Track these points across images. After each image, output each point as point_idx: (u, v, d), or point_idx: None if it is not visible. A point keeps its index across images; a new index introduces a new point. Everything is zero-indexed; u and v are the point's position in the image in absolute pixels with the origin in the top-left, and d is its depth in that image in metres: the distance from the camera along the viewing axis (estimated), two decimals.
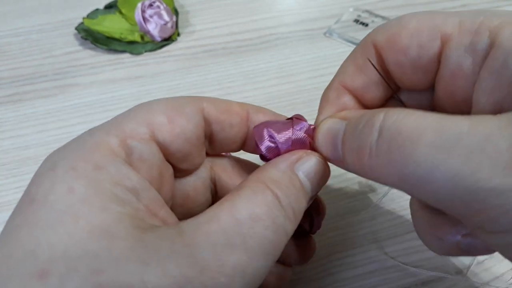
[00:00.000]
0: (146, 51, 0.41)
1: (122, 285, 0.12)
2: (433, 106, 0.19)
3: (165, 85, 0.38)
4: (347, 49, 0.41)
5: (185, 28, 0.44)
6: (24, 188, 0.15)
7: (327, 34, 0.43)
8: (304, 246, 0.22)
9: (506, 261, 0.17)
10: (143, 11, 0.41)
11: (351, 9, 0.45)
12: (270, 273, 0.16)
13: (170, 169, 0.18)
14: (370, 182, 0.30)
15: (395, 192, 0.29)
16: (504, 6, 0.45)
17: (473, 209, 0.12)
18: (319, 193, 0.19)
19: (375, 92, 0.20)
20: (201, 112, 0.18)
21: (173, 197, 0.19)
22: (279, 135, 0.18)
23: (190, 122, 0.18)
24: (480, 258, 0.25)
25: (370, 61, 0.19)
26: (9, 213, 0.14)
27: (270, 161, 0.18)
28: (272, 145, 0.18)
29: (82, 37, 0.42)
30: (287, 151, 0.18)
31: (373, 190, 0.29)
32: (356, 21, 0.44)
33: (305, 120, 0.19)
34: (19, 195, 0.15)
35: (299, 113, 0.20)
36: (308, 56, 0.40)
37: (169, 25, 0.42)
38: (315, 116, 0.20)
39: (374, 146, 0.14)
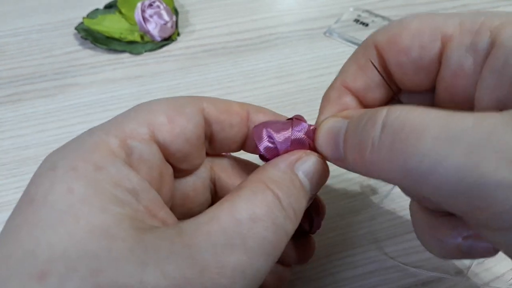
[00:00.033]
0: (146, 51, 0.41)
1: (122, 286, 0.12)
2: (434, 108, 0.19)
3: (165, 85, 0.38)
4: (347, 49, 0.41)
5: (185, 28, 0.44)
6: (24, 188, 0.15)
7: (327, 34, 0.43)
8: (303, 246, 0.22)
9: (507, 261, 0.17)
10: (143, 11, 0.41)
11: (351, 9, 0.45)
12: (269, 273, 0.16)
13: (170, 169, 0.18)
14: (371, 182, 0.30)
15: (395, 192, 0.29)
16: (504, 6, 0.45)
17: (477, 204, 0.12)
18: (319, 193, 0.19)
19: (376, 93, 0.20)
20: (201, 112, 0.18)
21: (172, 197, 0.19)
22: (278, 135, 0.18)
23: (190, 122, 0.18)
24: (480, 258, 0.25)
25: (371, 62, 0.19)
26: (9, 213, 0.14)
27: (270, 161, 0.18)
28: (271, 145, 0.18)
29: (82, 37, 0.42)
30: (286, 151, 0.18)
31: (374, 190, 0.29)
32: (356, 20, 0.44)
33: (305, 121, 0.19)
34: (19, 195, 0.15)
35: (299, 113, 0.20)
36: (308, 56, 0.40)
37: (169, 25, 0.42)
38: (315, 116, 0.20)
39: (376, 140, 0.14)
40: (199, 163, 0.20)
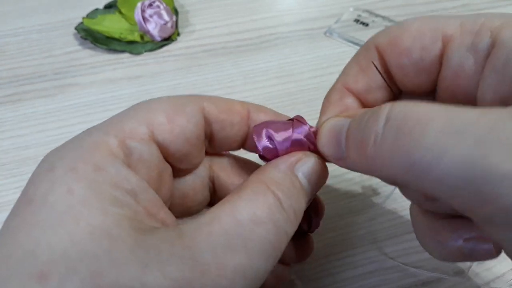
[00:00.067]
0: (146, 51, 0.41)
1: (122, 287, 0.12)
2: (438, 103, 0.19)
3: (165, 85, 0.38)
4: (347, 49, 0.41)
5: (185, 28, 0.44)
6: None
7: (327, 34, 0.43)
8: (302, 245, 0.22)
9: (507, 261, 0.17)
10: (142, 11, 0.41)
11: (351, 9, 0.45)
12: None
13: (169, 169, 0.18)
14: (373, 182, 0.30)
15: (395, 192, 0.29)
16: (504, 6, 0.45)
17: (482, 198, 0.12)
18: (318, 193, 0.19)
19: (378, 94, 0.20)
20: (201, 111, 0.18)
21: (171, 197, 0.19)
22: (278, 135, 0.18)
23: (191, 122, 0.18)
24: None
25: (373, 64, 0.19)
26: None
27: (270, 162, 0.18)
28: (270, 145, 0.18)
29: (81, 37, 0.42)
30: (286, 152, 0.18)
31: (375, 191, 0.29)
32: (356, 20, 0.44)
33: (306, 123, 0.19)
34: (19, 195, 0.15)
35: (299, 113, 0.20)
36: (308, 56, 0.40)
37: (169, 24, 0.42)
38: (315, 116, 0.20)
39: (380, 133, 0.14)
40: (198, 162, 0.20)
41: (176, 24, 0.44)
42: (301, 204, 0.17)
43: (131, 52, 0.41)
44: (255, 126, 0.19)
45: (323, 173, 0.18)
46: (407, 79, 0.19)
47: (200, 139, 0.18)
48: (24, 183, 0.15)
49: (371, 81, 0.19)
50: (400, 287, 0.25)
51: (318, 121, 0.20)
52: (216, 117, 0.19)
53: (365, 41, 0.20)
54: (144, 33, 0.41)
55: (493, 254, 0.17)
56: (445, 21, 0.17)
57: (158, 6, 0.41)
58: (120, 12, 0.44)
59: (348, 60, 0.21)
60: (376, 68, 0.19)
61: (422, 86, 0.19)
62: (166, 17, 0.41)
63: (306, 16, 0.45)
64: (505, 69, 0.15)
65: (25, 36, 0.44)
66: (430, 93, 0.19)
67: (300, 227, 0.21)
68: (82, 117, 0.36)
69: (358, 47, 0.40)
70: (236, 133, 0.19)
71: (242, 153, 0.21)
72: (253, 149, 0.20)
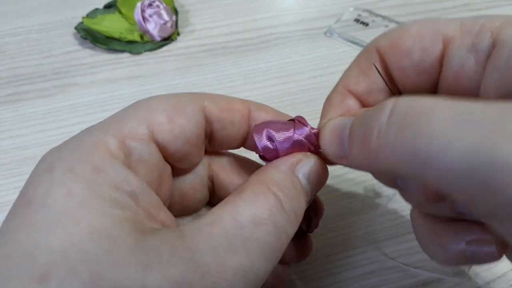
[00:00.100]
0: (145, 51, 0.41)
1: None
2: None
3: (164, 84, 0.38)
4: (347, 49, 0.41)
5: (184, 28, 0.44)
6: None
7: (327, 34, 0.43)
8: (301, 244, 0.22)
9: (507, 261, 0.17)
10: (142, 11, 0.41)
11: (351, 9, 0.45)
12: None
13: (168, 169, 0.18)
14: (373, 183, 0.30)
15: (397, 192, 0.29)
16: (504, 5, 0.45)
17: (489, 189, 0.11)
18: (319, 193, 0.19)
19: (379, 96, 0.20)
20: (202, 111, 0.18)
21: (171, 196, 0.19)
22: (278, 135, 0.18)
23: (191, 122, 0.18)
24: None
25: (374, 66, 0.19)
26: None
27: (271, 163, 0.18)
28: (271, 145, 0.18)
29: (81, 37, 0.42)
30: (286, 152, 0.18)
31: (376, 192, 0.29)
32: (357, 20, 0.44)
33: (307, 125, 0.19)
34: None
35: (300, 113, 0.20)
36: (308, 56, 0.40)
37: (168, 24, 0.41)
38: (315, 116, 0.20)
39: (384, 125, 0.14)
40: (198, 161, 0.20)
41: (176, 24, 0.44)
42: (302, 205, 0.17)
43: (130, 52, 0.41)
44: (255, 125, 0.19)
45: (323, 174, 0.18)
46: (408, 80, 0.19)
47: (200, 138, 0.18)
48: (23, 183, 0.15)
49: (372, 83, 0.19)
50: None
51: (319, 123, 0.20)
52: (217, 116, 0.19)
53: (365, 40, 0.20)
54: (144, 33, 0.41)
55: (496, 256, 0.17)
56: (445, 23, 0.18)
57: (158, 6, 0.41)
58: (120, 12, 0.44)
59: (348, 60, 0.21)
60: (377, 69, 0.19)
61: (423, 87, 0.19)
62: (166, 17, 0.41)
63: (306, 16, 0.45)
64: (507, 67, 0.15)
65: (24, 36, 0.44)
66: (431, 94, 0.19)
67: (299, 227, 0.21)
68: (82, 117, 0.36)
69: (358, 47, 0.40)
70: (237, 132, 0.19)
71: (242, 152, 0.21)
72: (254, 148, 0.20)
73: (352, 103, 0.20)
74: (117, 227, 0.13)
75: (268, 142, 0.18)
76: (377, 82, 0.19)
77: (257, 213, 0.15)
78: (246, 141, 0.20)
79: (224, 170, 0.21)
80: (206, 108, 0.18)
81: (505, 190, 0.11)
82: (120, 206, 0.14)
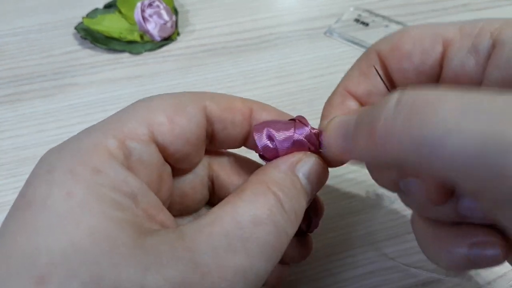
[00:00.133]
0: (145, 51, 0.41)
1: None
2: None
3: (164, 84, 0.38)
4: (347, 49, 0.41)
5: (184, 28, 0.44)
6: None
7: (327, 34, 0.43)
8: (301, 244, 0.22)
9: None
10: (142, 11, 0.40)
11: (351, 9, 0.45)
12: None
13: (168, 169, 0.18)
14: (374, 183, 0.30)
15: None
16: (504, 5, 0.45)
17: (498, 175, 0.11)
18: (319, 193, 0.19)
19: (379, 99, 0.20)
20: (203, 110, 0.18)
21: (171, 196, 0.19)
22: (279, 134, 0.18)
23: (191, 122, 0.17)
24: None
25: (374, 68, 0.19)
26: None
27: (271, 162, 0.18)
28: (271, 145, 0.18)
29: (81, 37, 0.42)
30: (286, 152, 0.18)
31: (376, 192, 0.29)
32: (357, 20, 0.44)
33: (308, 125, 0.19)
34: None
35: (300, 113, 0.20)
36: (308, 56, 0.40)
37: (168, 24, 0.41)
38: (315, 116, 0.20)
39: (390, 114, 0.13)
40: (198, 161, 0.20)
41: (176, 24, 0.43)
42: (302, 205, 0.17)
43: (130, 52, 0.41)
44: (255, 125, 0.19)
45: (323, 174, 0.18)
46: (408, 83, 0.19)
47: (201, 139, 0.18)
48: (23, 183, 0.15)
49: (372, 85, 0.20)
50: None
51: (320, 124, 0.20)
52: (218, 116, 0.18)
53: (365, 40, 0.20)
54: (144, 33, 0.41)
55: (500, 259, 0.16)
56: (444, 26, 0.18)
57: (158, 6, 0.41)
58: (120, 12, 0.44)
59: (348, 60, 0.21)
60: (377, 72, 0.19)
61: None
62: (166, 16, 0.41)
63: (306, 16, 0.45)
64: (508, 66, 0.15)
65: (24, 35, 0.44)
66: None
67: (299, 227, 0.21)
68: (82, 117, 0.36)
69: (358, 47, 0.40)
70: (238, 132, 0.19)
71: (243, 152, 0.21)
72: (254, 147, 0.20)
73: (352, 105, 0.20)
74: (117, 229, 0.13)
75: (268, 142, 0.18)
76: (378, 84, 0.19)
77: (257, 213, 0.15)
78: (247, 141, 0.20)
79: (224, 170, 0.21)
80: (207, 108, 0.18)
81: None
82: (120, 208, 0.14)
